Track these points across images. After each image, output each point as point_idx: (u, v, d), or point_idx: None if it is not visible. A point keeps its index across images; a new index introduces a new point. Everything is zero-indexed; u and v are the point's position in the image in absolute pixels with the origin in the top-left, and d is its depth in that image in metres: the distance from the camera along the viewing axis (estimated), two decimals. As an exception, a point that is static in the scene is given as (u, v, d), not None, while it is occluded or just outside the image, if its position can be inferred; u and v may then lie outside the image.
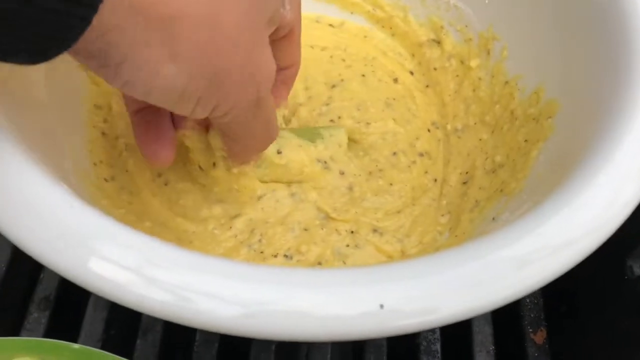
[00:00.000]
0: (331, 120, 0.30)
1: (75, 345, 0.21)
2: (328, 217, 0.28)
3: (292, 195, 0.28)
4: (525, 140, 0.27)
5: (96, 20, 0.15)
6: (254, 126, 0.22)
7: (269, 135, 0.24)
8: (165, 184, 0.27)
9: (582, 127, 0.23)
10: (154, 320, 0.27)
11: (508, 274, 0.18)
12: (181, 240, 0.26)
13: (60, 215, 0.18)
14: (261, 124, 0.23)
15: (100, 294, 0.17)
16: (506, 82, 0.30)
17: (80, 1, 0.15)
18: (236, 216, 0.27)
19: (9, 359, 0.21)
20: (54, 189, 0.19)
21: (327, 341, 0.18)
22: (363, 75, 0.33)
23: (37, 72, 0.24)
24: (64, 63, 0.25)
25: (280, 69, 0.24)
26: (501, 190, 0.27)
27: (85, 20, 0.15)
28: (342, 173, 0.29)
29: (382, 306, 0.16)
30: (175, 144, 0.25)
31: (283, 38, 0.24)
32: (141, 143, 0.24)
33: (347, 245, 0.27)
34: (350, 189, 0.28)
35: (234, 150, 0.25)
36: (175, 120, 0.25)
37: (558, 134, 0.25)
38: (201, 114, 0.20)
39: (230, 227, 0.26)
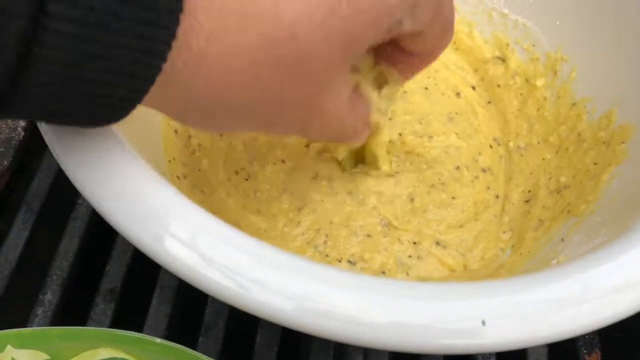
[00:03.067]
0: (399, 134, 0.31)
1: (157, 340, 0.22)
2: (390, 224, 0.28)
3: (350, 193, 0.28)
4: (595, 164, 0.27)
5: None
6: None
7: (347, 136, 0.23)
8: (246, 179, 0.28)
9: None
10: (216, 318, 0.28)
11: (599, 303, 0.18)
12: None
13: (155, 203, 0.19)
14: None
15: (173, 271, 0.18)
16: (573, 104, 0.30)
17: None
18: (302, 208, 0.27)
19: (93, 348, 0.21)
20: (149, 177, 0.19)
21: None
22: (426, 88, 0.34)
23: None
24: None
25: (409, 54, 0.24)
26: (568, 212, 0.27)
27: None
28: (396, 176, 0.29)
29: (484, 323, 0.16)
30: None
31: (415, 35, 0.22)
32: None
33: (410, 256, 0.28)
34: (412, 199, 0.28)
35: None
36: None
37: (633, 159, 0.25)
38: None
39: (299, 223, 0.27)
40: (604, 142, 0.27)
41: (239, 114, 0.19)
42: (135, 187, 0.19)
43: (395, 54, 0.24)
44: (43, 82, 0.14)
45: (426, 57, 0.24)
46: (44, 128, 0.20)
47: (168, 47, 0.15)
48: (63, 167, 0.19)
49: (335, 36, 0.18)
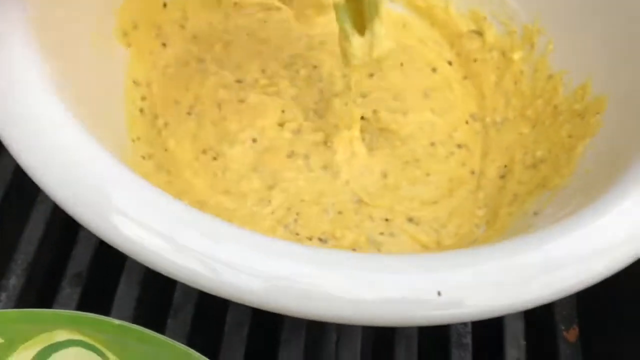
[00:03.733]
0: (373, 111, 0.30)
1: (116, 321, 0.21)
2: (361, 201, 0.28)
3: (325, 168, 0.28)
4: (570, 136, 0.27)
5: None
6: None
7: None
8: (215, 158, 0.27)
9: (632, 125, 0.23)
10: (184, 300, 0.27)
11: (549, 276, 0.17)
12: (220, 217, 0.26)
13: (102, 179, 0.18)
14: None
15: (135, 257, 0.18)
16: (550, 77, 0.29)
17: None
18: (273, 186, 0.27)
19: (49, 331, 0.21)
20: (97, 153, 0.19)
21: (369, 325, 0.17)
22: (401, 64, 0.33)
23: (83, 43, 0.24)
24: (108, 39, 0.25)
25: None
26: (543, 186, 0.26)
27: None
28: (370, 152, 0.28)
29: (439, 294, 0.16)
30: None
31: None
32: None
33: (382, 233, 0.27)
34: (385, 176, 0.28)
35: None
36: None
37: (606, 130, 0.25)
38: None
39: (269, 202, 0.26)
40: (579, 115, 0.27)
41: None
42: (94, 175, 0.18)
43: None
44: None
45: None
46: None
47: None
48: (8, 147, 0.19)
49: None
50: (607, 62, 0.26)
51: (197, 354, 0.21)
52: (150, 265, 0.18)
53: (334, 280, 0.17)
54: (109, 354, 0.21)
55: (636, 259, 0.18)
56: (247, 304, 0.18)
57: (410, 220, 0.27)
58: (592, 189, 0.21)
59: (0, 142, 0.32)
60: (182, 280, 0.18)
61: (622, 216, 0.19)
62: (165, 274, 0.18)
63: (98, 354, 0.21)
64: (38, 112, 0.19)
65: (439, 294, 0.15)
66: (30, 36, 0.21)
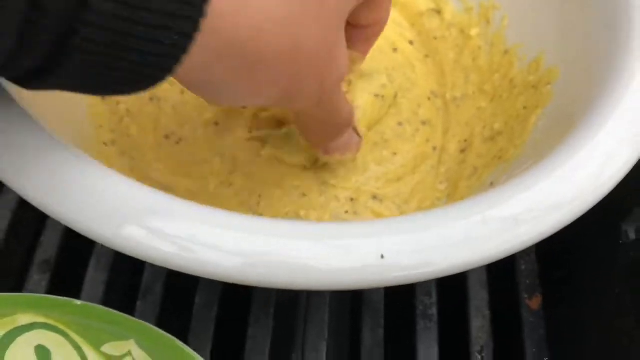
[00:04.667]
0: None
1: (78, 302, 0.22)
2: (327, 183, 0.28)
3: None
4: (524, 108, 0.27)
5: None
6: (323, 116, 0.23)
7: (342, 122, 0.24)
8: (177, 143, 0.28)
9: (579, 93, 0.23)
10: (153, 282, 0.28)
11: (501, 232, 0.18)
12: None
13: (68, 170, 0.18)
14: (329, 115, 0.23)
15: (107, 244, 0.18)
16: (506, 51, 0.30)
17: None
18: (234, 170, 0.27)
19: (12, 315, 0.21)
20: (59, 147, 0.19)
21: (327, 289, 0.18)
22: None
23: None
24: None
25: (364, 27, 0.24)
26: (499, 157, 0.27)
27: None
28: None
29: (382, 257, 0.16)
30: None
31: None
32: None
33: (346, 212, 0.28)
34: (353, 159, 0.28)
35: (310, 140, 0.25)
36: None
37: (556, 100, 0.25)
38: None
39: (231, 184, 0.27)
40: (533, 86, 0.27)
41: (267, 71, 0.18)
42: (57, 167, 0.18)
43: (349, 32, 0.24)
44: (87, 51, 0.14)
45: (378, 25, 0.25)
46: None
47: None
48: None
49: None
50: (559, 34, 0.27)
51: (159, 330, 0.21)
52: (128, 253, 0.18)
53: (310, 251, 0.17)
54: (73, 334, 0.21)
55: (578, 216, 0.19)
56: (225, 280, 0.18)
57: (375, 197, 0.28)
58: (540, 156, 0.22)
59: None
60: (163, 265, 0.18)
61: (564, 178, 0.19)
62: (146, 260, 0.18)
63: (62, 335, 0.21)
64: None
65: (382, 257, 0.16)
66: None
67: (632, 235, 0.25)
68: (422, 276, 0.16)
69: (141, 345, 0.21)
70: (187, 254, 0.17)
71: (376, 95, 0.28)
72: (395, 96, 0.30)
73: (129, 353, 0.21)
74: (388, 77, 0.29)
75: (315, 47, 0.18)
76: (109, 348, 0.21)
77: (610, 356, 0.25)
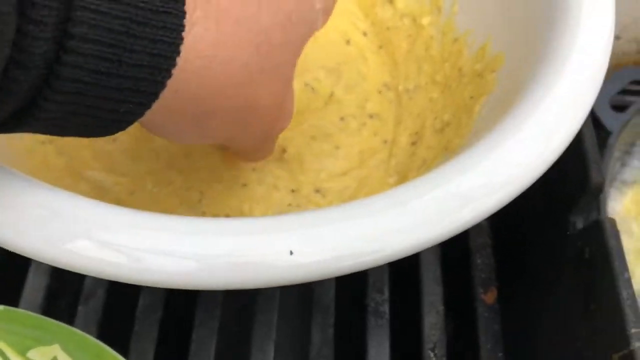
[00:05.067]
0: None
1: (0, 307, 0.21)
2: (262, 169, 0.27)
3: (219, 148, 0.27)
4: (471, 97, 0.27)
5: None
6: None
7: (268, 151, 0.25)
8: (114, 141, 0.27)
9: (520, 79, 0.22)
10: (95, 287, 0.27)
11: (438, 213, 0.18)
12: (121, 202, 0.26)
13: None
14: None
15: (49, 262, 0.17)
16: (456, 39, 0.29)
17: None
18: (172, 166, 0.27)
19: None
20: None
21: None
22: (314, 37, 0.32)
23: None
24: None
25: None
26: (446, 148, 0.26)
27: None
28: None
29: (291, 253, 0.15)
30: None
31: None
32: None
33: (289, 205, 0.27)
34: (284, 150, 0.27)
35: (236, 156, 0.26)
36: None
37: (500, 87, 0.24)
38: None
39: (170, 182, 0.26)
40: (479, 74, 0.27)
41: (220, 123, 0.19)
42: None
43: None
44: (61, 100, 0.15)
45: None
46: None
47: (173, 64, 0.16)
48: None
49: (300, 28, 0.20)
50: (503, 20, 0.26)
51: (82, 333, 0.21)
52: (72, 269, 0.17)
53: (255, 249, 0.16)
54: (-3, 341, 0.21)
55: (512, 198, 0.18)
56: (176, 287, 0.17)
57: (318, 191, 0.27)
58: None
59: None
60: (111, 278, 0.17)
61: (504, 156, 0.19)
62: (90, 274, 0.17)
63: (-16, 342, 0.21)
64: None
65: (290, 253, 0.15)
66: None
67: (579, 225, 0.24)
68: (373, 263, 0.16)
69: (67, 350, 0.21)
70: (135, 264, 0.17)
71: (306, 84, 0.27)
72: (332, 95, 0.29)
73: (55, 358, 0.21)
74: (328, 73, 0.28)
75: (268, 104, 0.20)
76: (34, 354, 0.21)
77: (562, 348, 0.24)
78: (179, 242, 0.16)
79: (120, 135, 0.27)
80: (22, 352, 0.21)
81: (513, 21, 0.25)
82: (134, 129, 0.28)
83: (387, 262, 0.18)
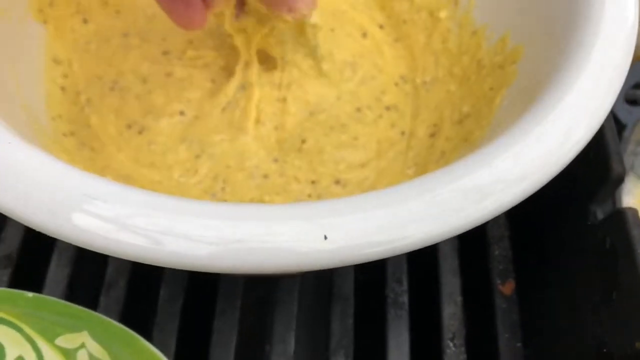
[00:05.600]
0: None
1: (29, 294, 0.21)
2: (279, 161, 0.27)
3: (242, 129, 0.28)
4: (491, 89, 0.27)
5: None
6: None
7: None
8: (140, 133, 0.27)
9: (541, 71, 0.23)
10: (117, 276, 0.27)
11: (459, 204, 0.18)
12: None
13: (24, 167, 0.18)
14: None
15: (75, 243, 0.17)
16: (474, 32, 0.29)
17: None
18: (200, 155, 0.27)
19: (-39, 309, 0.21)
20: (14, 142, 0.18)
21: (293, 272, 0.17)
22: (332, 30, 0.33)
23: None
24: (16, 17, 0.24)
25: None
26: (466, 140, 0.26)
27: None
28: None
29: (325, 237, 0.16)
30: (206, 10, 0.24)
31: None
32: (170, 11, 0.23)
33: (309, 195, 0.27)
34: (303, 141, 0.28)
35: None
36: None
37: (520, 79, 0.25)
38: None
39: (196, 172, 0.26)
40: (499, 66, 0.27)
41: None
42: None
43: None
44: None
45: None
46: None
47: None
48: None
49: None
50: (522, 12, 0.26)
51: (111, 320, 0.21)
52: (93, 248, 0.17)
53: (285, 234, 0.16)
54: (26, 328, 0.21)
55: (537, 189, 0.19)
56: (193, 269, 0.17)
57: (338, 182, 0.27)
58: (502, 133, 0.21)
59: None
60: (130, 258, 0.17)
61: (525, 150, 0.19)
62: (112, 254, 0.17)
63: (15, 329, 0.21)
64: None
65: (325, 237, 0.15)
66: None
67: (600, 215, 0.24)
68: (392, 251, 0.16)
69: (95, 337, 0.21)
70: (156, 245, 0.17)
71: (322, 76, 0.28)
72: (348, 87, 0.30)
73: (83, 345, 0.21)
74: (344, 66, 0.30)
75: None
76: (62, 341, 0.21)
77: (583, 337, 0.24)
78: (216, 227, 0.16)
79: (147, 126, 0.28)
80: (51, 339, 0.21)
81: (532, 12, 0.25)
82: (164, 120, 0.28)
83: (410, 250, 0.18)
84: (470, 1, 0.30)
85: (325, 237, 0.16)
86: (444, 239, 0.18)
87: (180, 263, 0.17)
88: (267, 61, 0.30)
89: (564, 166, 0.19)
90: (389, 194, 0.19)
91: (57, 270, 0.27)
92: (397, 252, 0.18)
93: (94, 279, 0.27)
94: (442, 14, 0.31)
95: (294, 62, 0.30)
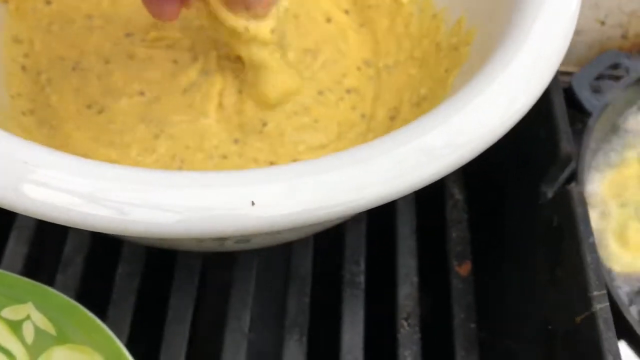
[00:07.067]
0: None
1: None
2: (239, 141, 0.28)
3: (204, 113, 0.28)
4: (446, 70, 0.27)
5: None
6: None
7: None
8: (100, 112, 0.27)
9: (490, 48, 0.23)
10: (75, 254, 0.27)
11: (408, 165, 0.18)
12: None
13: None
14: None
15: (40, 217, 0.17)
16: (434, 15, 0.30)
17: None
18: (158, 135, 0.27)
19: None
20: None
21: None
22: (296, 17, 0.33)
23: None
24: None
25: None
26: (421, 121, 0.27)
27: None
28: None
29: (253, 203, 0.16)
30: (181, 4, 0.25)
31: None
32: (147, 3, 0.24)
33: (268, 177, 0.27)
34: (264, 124, 0.28)
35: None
36: None
37: (471, 59, 0.25)
38: None
39: (154, 151, 0.26)
40: (454, 48, 0.27)
41: None
42: None
43: None
44: None
45: None
46: None
47: None
48: None
49: None
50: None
51: (56, 292, 0.21)
52: (59, 222, 0.17)
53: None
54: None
55: (474, 156, 0.19)
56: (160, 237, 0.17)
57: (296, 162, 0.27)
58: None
59: None
60: (100, 230, 0.17)
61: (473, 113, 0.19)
62: (80, 227, 0.17)
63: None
64: None
65: (252, 203, 0.16)
66: None
67: (549, 195, 0.24)
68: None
69: (40, 309, 0.21)
70: (121, 215, 0.17)
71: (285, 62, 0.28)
72: (309, 71, 0.30)
73: (28, 317, 0.21)
74: (306, 51, 0.30)
75: None
76: (8, 312, 0.21)
77: (530, 316, 0.25)
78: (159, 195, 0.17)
79: (107, 106, 0.28)
80: (-3, 310, 0.21)
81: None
82: (124, 100, 0.28)
83: (343, 215, 0.18)
84: (430, -15, 0.30)
85: (253, 203, 0.16)
86: (384, 202, 0.18)
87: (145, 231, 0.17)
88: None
89: (505, 132, 0.19)
90: (331, 160, 0.19)
91: (15, 249, 0.27)
92: (334, 216, 0.18)
93: (51, 257, 0.28)
94: (405, -1, 0.31)
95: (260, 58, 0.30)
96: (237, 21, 0.25)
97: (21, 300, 0.21)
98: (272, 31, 0.26)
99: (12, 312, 0.21)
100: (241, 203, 0.16)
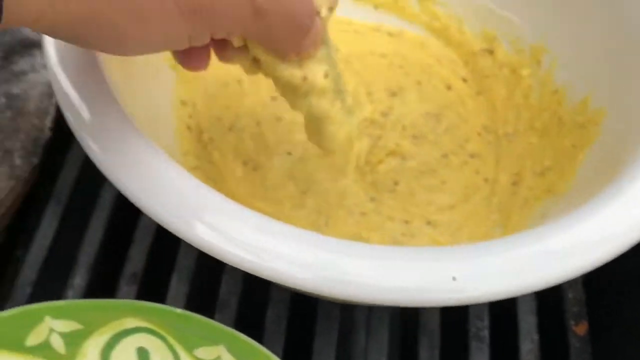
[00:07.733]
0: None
1: (178, 310, 0.24)
2: (375, 200, 0.31)
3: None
4: (573, 145, 0.29)
5: None
6: (274, 25, 0.21)
7: (296, 23, 0.22)
8: (254, 169, 0.31)
9: (627, 133, 0.25)
10: (229, 296, 0.31)
11: (548, 263, 0.20)
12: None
13: (180, 189, 0.21)
14: (280, 20, 0.21)
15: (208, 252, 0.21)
16: (555, 91, 0.32)
17: None
18: (306, 191, 0.30)
19: (121, 319, 0.24)
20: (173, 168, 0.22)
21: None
22: (419, 83, 0.36)
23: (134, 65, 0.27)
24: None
25: None
26: (549, 191, 0.29)
27: None
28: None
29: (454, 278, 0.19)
30: (209, 56, 0.25)
31: None
32: (183, 63, 0.25)
33: (403, 234, 0.30)
34: (396, 183, 0.31)
35: (276, 47, 0.23)
36: (217, 51, 0.25)
37: (604, 139, 0.27)
38: (200, 43, 0.21)
39: (303, 206, 0.30)
40: (580, 126, 0.30)
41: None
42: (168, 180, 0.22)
43: None
44: None
45: None
46: (78, 132, 0.23)
47: None
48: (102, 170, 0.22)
49: None
50: (608, 77, 0.29)
51: (248, 338, 0.24)
52: (228, 262, 0.21)
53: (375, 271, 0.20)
54: (170, 338, 0.24)
55: (628, 249, 0.21)
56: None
57: (429, 223, 0.30)
58: (590, 192, 0.24)
59: (56, 162, 0.35)
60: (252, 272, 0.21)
61: (614, 214, 0.21)
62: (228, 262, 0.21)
63: (160, 339, 0.24)
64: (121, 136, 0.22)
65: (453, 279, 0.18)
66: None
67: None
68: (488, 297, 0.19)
69: (230, 351, 0.24)
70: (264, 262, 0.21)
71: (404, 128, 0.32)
72: (433, 135, 0.33)
73: (219, 357, 0.24)
74: (429, 116, 0.33)
75: None
76: (201, 352, 0.24)
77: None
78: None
79: (260, 164, 0.31)
80: (190, 349, 0.24)
81: (618, 79, 0.28)
82: (275, 158, 0.32)
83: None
84: (552, 63, 0.33)
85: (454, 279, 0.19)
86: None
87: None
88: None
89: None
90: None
91: (177, 288, 0.31)
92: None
93: (208, 297, 0.31)
94: (524, 72, 0.34)
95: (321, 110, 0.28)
96: (292, 72, 0.24)
97: (214, 343, 0.24)
98: (325, 75, 0.25)
99: (205, 352, 0.24)
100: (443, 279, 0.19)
